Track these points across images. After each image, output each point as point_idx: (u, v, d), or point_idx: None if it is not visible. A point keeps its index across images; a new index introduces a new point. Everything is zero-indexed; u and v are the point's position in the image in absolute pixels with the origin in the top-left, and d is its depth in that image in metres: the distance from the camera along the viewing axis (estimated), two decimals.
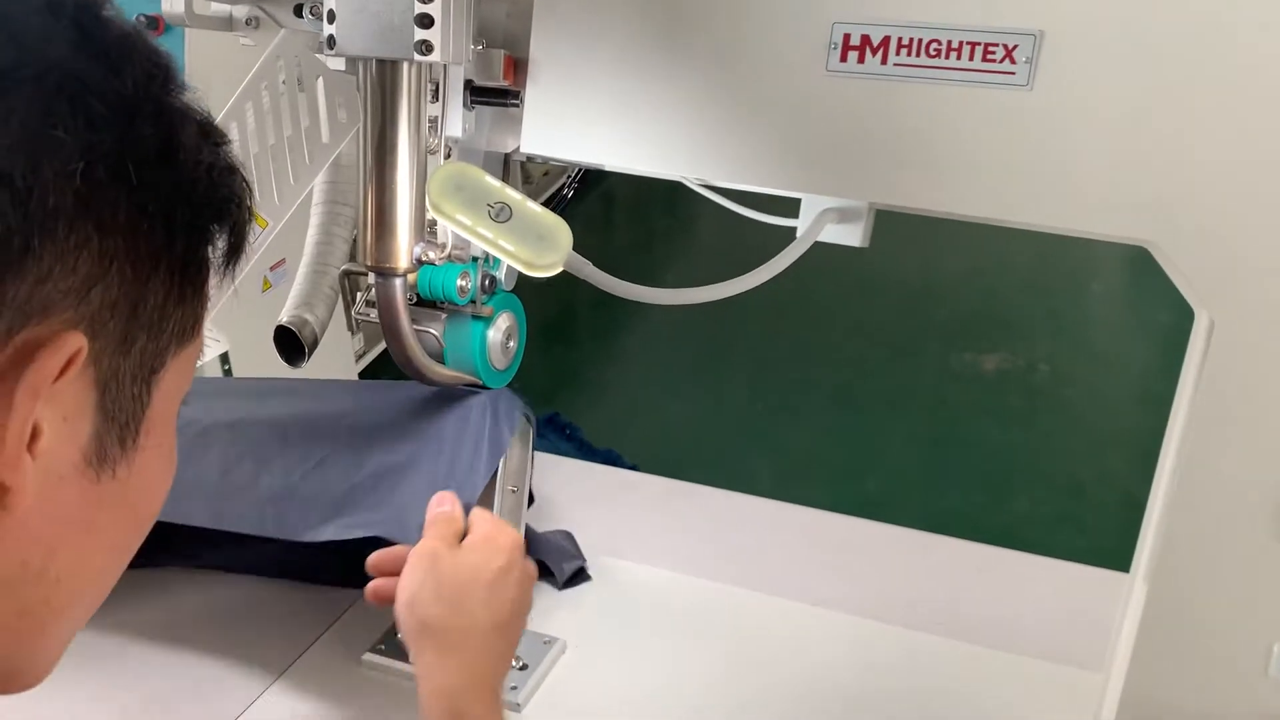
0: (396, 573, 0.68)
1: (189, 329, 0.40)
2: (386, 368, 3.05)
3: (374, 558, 0.71)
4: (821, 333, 3.38)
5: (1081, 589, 0.99)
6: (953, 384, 3.11)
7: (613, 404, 2.90)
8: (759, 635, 0.92)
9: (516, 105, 0.72)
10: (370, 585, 0.70)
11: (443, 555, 0.67)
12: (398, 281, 0.70)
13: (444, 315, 0.76)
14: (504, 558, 0.67)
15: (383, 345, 3.04)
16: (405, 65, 0.66)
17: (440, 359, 0.77)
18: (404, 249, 0.69)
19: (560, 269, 0.65)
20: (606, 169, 0.80)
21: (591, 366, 3.16)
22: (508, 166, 0.76)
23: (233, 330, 2.08)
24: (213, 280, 0.41)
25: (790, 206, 0.82)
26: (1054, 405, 3.01)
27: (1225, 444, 0.63)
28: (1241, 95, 0.59)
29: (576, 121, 0.73)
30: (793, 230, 0.82)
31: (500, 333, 0.78)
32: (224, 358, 2.06)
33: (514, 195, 0.64)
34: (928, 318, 3.51)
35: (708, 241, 4.15)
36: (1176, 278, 0.65)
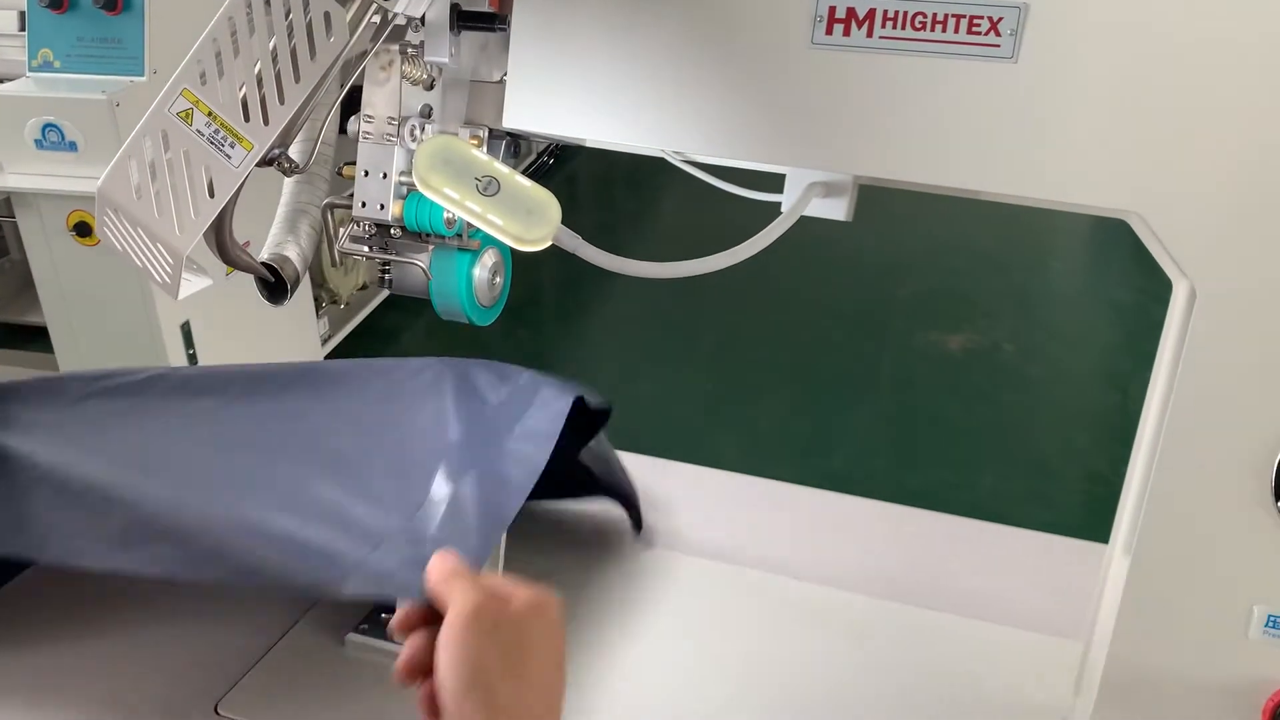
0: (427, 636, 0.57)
1: None
2: (352, 352, 3.03)
3: (399, 619, 0.60)
4: (786, 312, 3.40)
5: (1055, 559, 1.01)
6: (918, 363, 3.13)
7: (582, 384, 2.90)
8: (744, 608, 0.93)
9: (504, 29, 0.71)
10: (403, 658, 0.57)
11: (503, 622, 0.55)
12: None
13: (430, 247, 0.75)
14: (558, 622, 0.58)
15: (349, 329, 3.03)
16: None
17: (425, 291, 0.76)
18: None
19: (549, 243, 0.64)
20: (587, 144, 0.80)
21: (557, 349, 3.16)
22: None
23: (195, 308, 2.06)
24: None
25: (764, 182, 0.82)
26: (1018, 383, 3.05)
27: (1208, 411, 0.64)
28: (1226, 65, 0.59)
29: (558, 96, 0.73)
30: (768, 205, 0.82)
31: (486, 270, 0.78)
32: (188, 339, 2.04)
33: (501, 169, 0.64)
34: (892, 297, 3.54)
35: (675, 219, 4.16)
36: (1156, 249, 0.66)
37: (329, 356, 2.82)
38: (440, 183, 0.63)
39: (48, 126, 1.86)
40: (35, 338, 2.67)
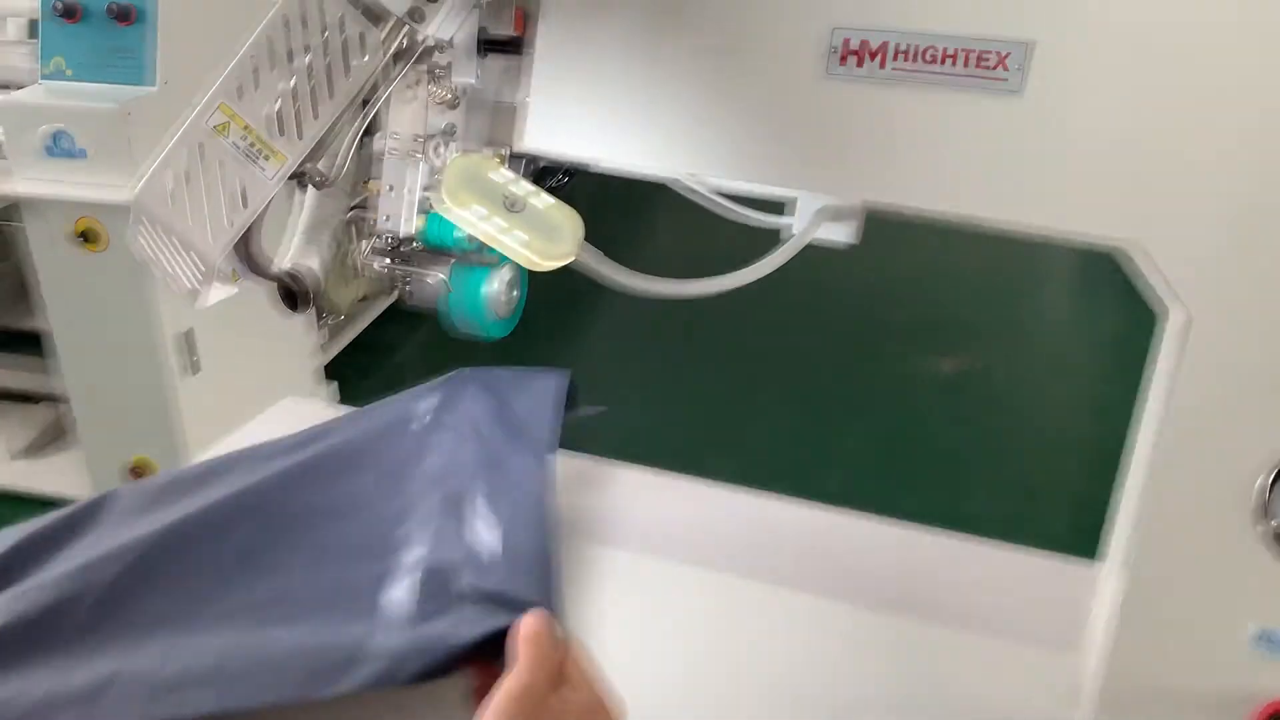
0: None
1: None
2: (350, 364, 3.04)
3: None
4: (780, 335, 3.43)
5: (1049, 576, 1.03)
6: (910, 386, 3.16)
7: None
8: (743, 619, 0.95)
9: (529, 53, 0.73)
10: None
11: (547, 704, 0.55)
12: None
13: (450, 261, 0.77)
14: None
15: (347, 341, 3.04)
16: None
17: (443, 304, 0.78)
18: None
19: (571, 260, 0.67)
20: (601, 166, 0.82)
21: (553, 363, 3.17)
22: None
23: (197, 318, 2.07)
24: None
25: (765, 206, 0.85)
26: (1008, 408, 3.07)
27: (1198, 436, 0.67)
28: (1227, 101, 0.62)
29: (577, 120, 0.75)
30: (762, 229, 0.85)
31: (503, 283, 0.80)
32: (190, 347, 2.05)
33: (525, 188, 0.66)
34: (885, 321, 3.57)
35: (668, 244, 4.18)
36: (1154, 278, 0.68)
37: (328, 367, 2.83)
38: (467, 200, 0.66)
39: (58, 134, 1.88)
40: (29, 343, 2.68)
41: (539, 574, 0.72)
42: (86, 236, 1.93)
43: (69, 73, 1.92)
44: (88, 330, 2.02)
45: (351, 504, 0.78)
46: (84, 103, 1.88)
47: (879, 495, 2.59)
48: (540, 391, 0.84)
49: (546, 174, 0.80)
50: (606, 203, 4.52)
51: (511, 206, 0.65)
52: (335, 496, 0.79)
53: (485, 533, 0.74)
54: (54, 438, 2.50)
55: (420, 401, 0.88)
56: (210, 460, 0.85)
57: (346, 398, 2.80)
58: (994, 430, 2.96)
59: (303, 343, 2.61)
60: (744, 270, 0.71)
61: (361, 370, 3.03)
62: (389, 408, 0.88)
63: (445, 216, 0.70)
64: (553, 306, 3.49)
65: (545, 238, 0.65)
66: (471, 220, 0.66)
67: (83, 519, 0.80)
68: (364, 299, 2.94)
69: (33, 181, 1.93)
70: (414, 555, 0.74)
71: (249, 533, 0.76)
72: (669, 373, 3.20)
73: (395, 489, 0.79)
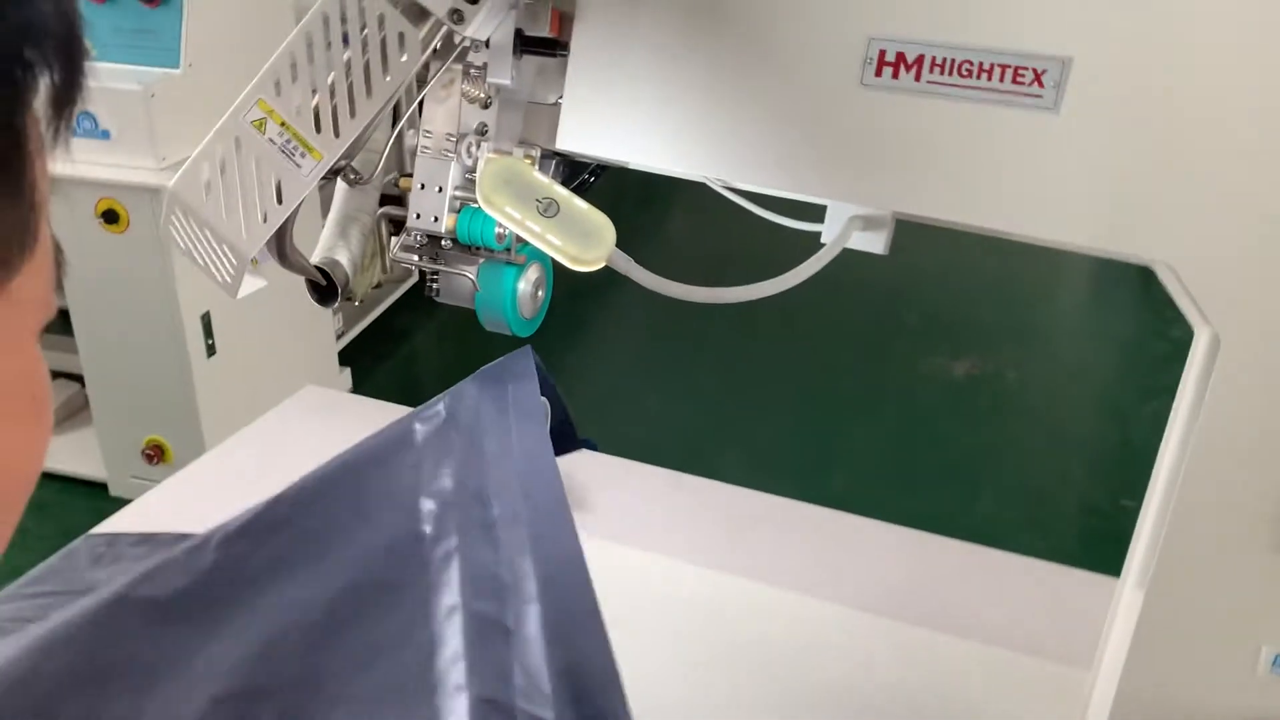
0: None
1: (20, 238, 0.27)
2: (364, 349, 3.05)
3: None
4: (791, 333, 3.43)
5: (1060, 588, 1.04)
6: (922, 387, 3.16)
7: (586, 396, 2.93)
8: (751, 622, 0.95)
9: (563, 54, 0.74)
10: None
11: None
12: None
13: (480, 260, 0.78)
14: None
15: (362, 326, 3.05)
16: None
17: (471, 301, 0.79)
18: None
19: (604, 264, 0.67)
20: (632, 166, 0.83)
21: (566, 359, 3.19)
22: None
23: (215, 300, 2.08)
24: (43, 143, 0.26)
25: (796, 210, 0.85)
26: (1020, 412, 3.08)
27: (1225, 457, 0.67)
28: (1261, 123, 0.62)
29: (611, 121, 0.75)
30: (784, 227, 0.86)
31: (530, 283, 0.81)
32: (207, 329, 2.06)
33: (561, 191, 0.67)
34: (899, 321, 3.57)
35: (685, 236, 4.19)
36: (1182, 297, 0.68)
37: (342, 353, 2.84)
38: (503, 202, 0.66)
39: (82, 114, 1.88)
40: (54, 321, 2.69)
41: (600, 688, 0.66)
42: (108, 217, 1.94)
43: (94, 53, 1.93)
44: (107, 311, 2.04)
45: (379, 648, 0.69)
46: (108, 83, 1.88)
47: (889, 497, 2.60)
48: (534, 430, 0.76)
49: (576, 171, 0.81)
50: (624, 195, 4.56)
51: (545, 211, 0.66)
52: (359, 644, 0.69)
53: (534, 651, 0.67)
54: (70, 414, 2.51)
55: (418, 491, 0.75)
56: (186, 581, 0.70)
57: (359, 385, 2.81)
58: (1005, 434, 2.96)
59: (320, 328, 2.62)
60: (773, 280, 0.71)
61: (375, 357, 3.04)
62: (385, 497, 0.75)
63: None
64: (563, 301, 3.49)
65: (579, 244, 0.66)
66: (507, 220, 0.67)
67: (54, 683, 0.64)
68: (379, 286, 2.97)
69: (55, 161, 1.94)
70: (458, 687, 0.66)
71: (281, 700, 0.66)
72: (678, 370, 3.20)
73: (422, 616, 0.70)
